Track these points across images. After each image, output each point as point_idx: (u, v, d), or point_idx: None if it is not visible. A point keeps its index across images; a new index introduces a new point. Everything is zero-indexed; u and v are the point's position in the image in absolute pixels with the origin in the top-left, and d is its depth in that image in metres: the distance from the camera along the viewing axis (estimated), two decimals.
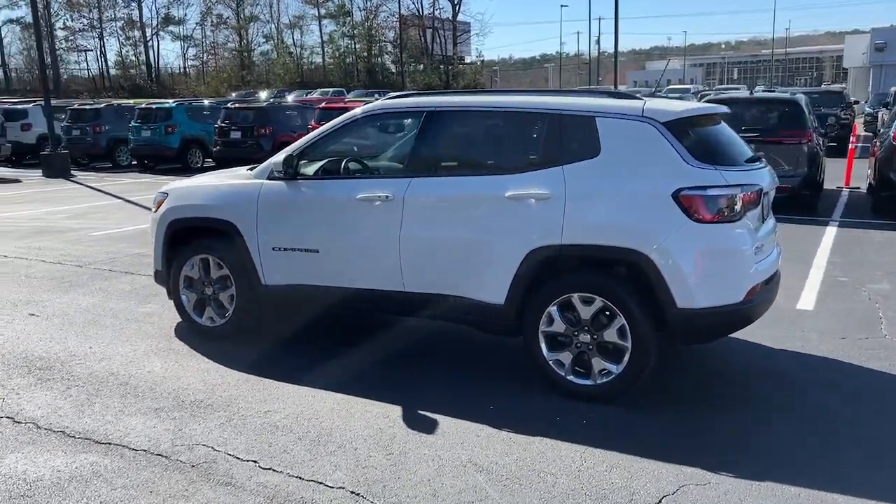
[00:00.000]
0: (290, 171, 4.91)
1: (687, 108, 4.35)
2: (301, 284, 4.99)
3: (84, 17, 63.34)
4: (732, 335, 4.75)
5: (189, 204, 5.39)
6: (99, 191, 15.34)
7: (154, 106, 20.22)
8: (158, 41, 67.34)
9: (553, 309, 4.24)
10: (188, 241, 5.40)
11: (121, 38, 65.40)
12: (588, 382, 4.23)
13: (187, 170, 19.22)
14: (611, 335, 4.14)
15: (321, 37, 70.28)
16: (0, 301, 6.45)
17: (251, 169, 5.37)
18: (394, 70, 67.45)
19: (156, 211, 5.57)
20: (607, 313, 4.13)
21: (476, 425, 3.92)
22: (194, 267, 5.37)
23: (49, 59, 61.65)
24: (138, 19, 63.79)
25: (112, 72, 65.34)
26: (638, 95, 4.47)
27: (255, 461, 3.53)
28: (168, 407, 4.16)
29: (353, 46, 69.57)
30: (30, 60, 63.32)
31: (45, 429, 3.89)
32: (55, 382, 4.54)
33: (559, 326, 4.25)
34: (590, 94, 4.67)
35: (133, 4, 63.05)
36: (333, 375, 4.63)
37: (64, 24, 63.56)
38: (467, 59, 73.11)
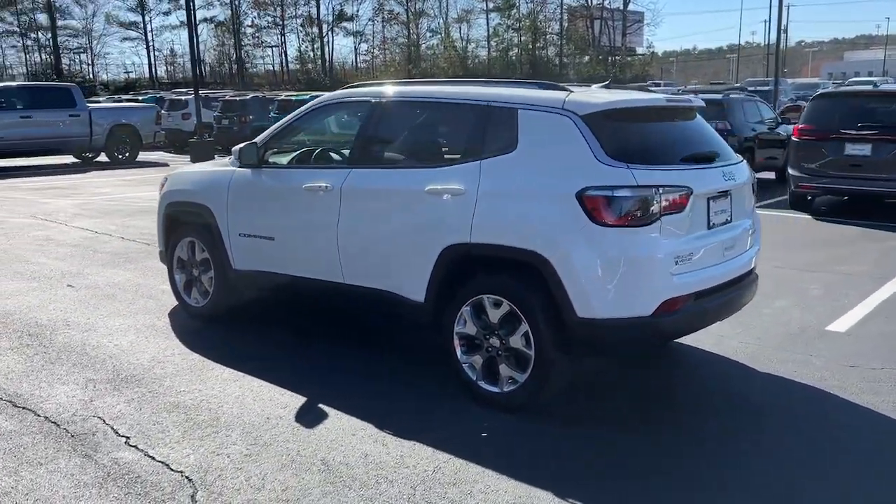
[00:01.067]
0: (254, 159, 5.03)
1: (616, 99, 3.95)
2: (262, 271, 5.10)
3: (269, 14, 68.13)
4: (727, 349, 4.28)
5: (179, 188, 5.68)
6: None
7: (293, 98, 21.39)
8: (333, 37, 70.82)
9: (466, 309, 4.04)
10: (179, 223, 5.69)
11: (300, 35, 69.73)
12: (495, 389, 3.99)
13: None
14: (516, 342, 3.88)
15: (487, 30, 71.11)
16: (54, 272, 7.13)
17: None
18: (558, 62, 66.91)
19: (160, 193, 5.91)
20: (514, 318, 3.87)
21: (363, 423, 3.82)
22: (184, 249, 5.65)
23: (236, 55, 67.07)
24: (316, 16, 67.65)
25: (291, 66, 69.78)
26: (568, 86, 4.11)
27: (127, 437, 3.66)
28: (102, 379, 4.42)
29: (517, 39, 69.71)
30: (221, 56, 69.28)
31: None
32: (29, 348, 4.96)
33: (472, 328, 4.05)
34: (519, 85, 4.36)
35: (312, 2, 66.95)
36: (274, 364, 4.69)
37: (252, 21, 68.78)
38: (639, 51, 70.86)
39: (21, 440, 3.64)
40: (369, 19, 71.12)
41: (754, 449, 3.60)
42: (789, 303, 6.09)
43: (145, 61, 62.97)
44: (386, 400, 4.17)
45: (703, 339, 5.02)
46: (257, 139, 5.13)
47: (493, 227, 3.88)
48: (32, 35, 62.43)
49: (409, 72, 64.84)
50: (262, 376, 4.45)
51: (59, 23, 61.67)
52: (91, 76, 62.66)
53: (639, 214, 3.58)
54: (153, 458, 3.45)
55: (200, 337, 5.21)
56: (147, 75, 64.81)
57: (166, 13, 65.80)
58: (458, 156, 4.19)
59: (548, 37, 69.27)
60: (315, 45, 69.36)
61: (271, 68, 71.26)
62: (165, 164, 19.49)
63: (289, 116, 5.14)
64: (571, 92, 3.96)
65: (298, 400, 4.13)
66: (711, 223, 3.97)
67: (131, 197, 12.64)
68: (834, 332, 5.37)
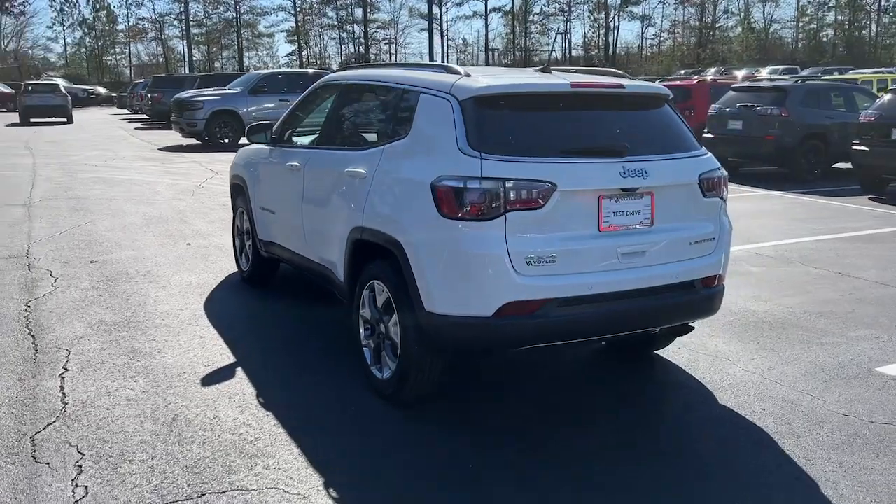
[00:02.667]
0: (264, 139, 5.44)
1: (496, 84, 3.61)
2: (272, 242, 5.51)
3: (557, 2, 68.85)
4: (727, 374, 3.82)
5: (235, 162, 6.31)
6: None
7: None
8: (619, 21, 69.41)
9: (366, 293, 4.05)
10: (234, 194, 6.33)
11: (587, 21, 69.49)
12: (378, 375, 3.96)
13: None
14: (391, 330, 3.81)
15: (797, 8, 64.83)
16: (189, 231, 8.27)
17: None
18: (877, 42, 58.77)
19: None
20: (390, 306, 3.80)
21: (244, 391, 4.06)
22: (239, 217, 6.28)
23: (523, 43, 68.87)
24: (604, 1, 66.85)
25: (574, 53, 69.88)
26: (459, 70, 3.85)
27: (62, 376, 4.28)
28: (102, 322, 5.14)
29: (832, 17, 62.61)
30: (508, 44, 71.63)
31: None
32: (86, 280, 5.92)
33: (367, 312, 4.05)
34: (434, 69, 4.15)
35: None
36: (255, 337, 5.06)
37: (541, 9, 70.11)
38: None
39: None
40: (659, 1, 68.45)
41: None
42: (865, 333, 5.02)
43: (438, 51, 67.14)
44: (295, 379, 4.33)
45: (702, 361, 4.43)
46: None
47: (375, 213, 3.84)
48: (348, 28, 70.19)
49: (699, 56, 61.50)
50: (231, 345, 4.81)
51: (371, 16, 68.58)
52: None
53: (482, 209, 3.30)
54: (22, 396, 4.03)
55: (227, 301, 5.79)
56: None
57: (459, 4, 69.70)
58: (371, 139, 4.19)
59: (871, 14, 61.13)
60: (600, 32, 68.72)
61: (554, 55, 72.02)
62: None
63: (298, 99, 5.47)
64: (469, 75, 3.73)
65: (225, 362, 4.46)
66: (607, 224, 3.50)
67: None
68: (885, 374, 4.36)
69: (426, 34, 71.84)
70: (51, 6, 75.99)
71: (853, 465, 3.31)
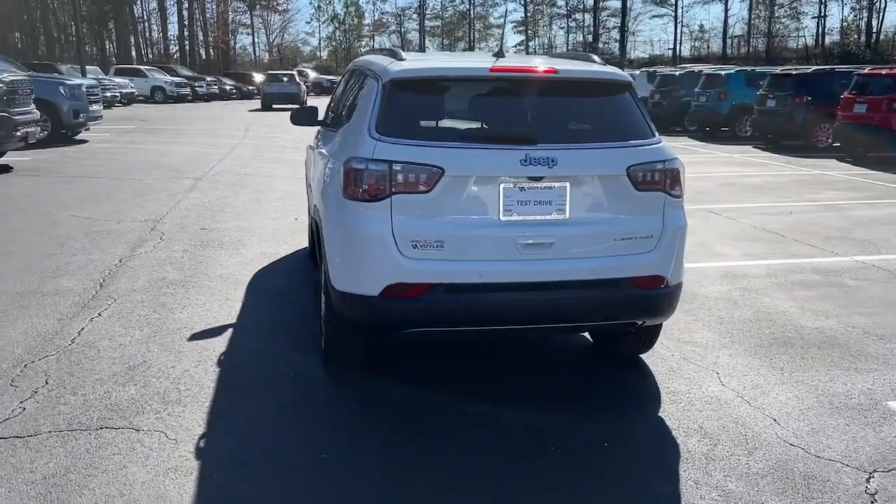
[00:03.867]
0: (320, 120, 5.78)
1: (414, 67, 3.59)
2: (313, 217, 5.91)
3: None
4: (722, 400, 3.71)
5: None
6: None
7: (713, 72, 20.22)
8: (886, 2, 61.37)
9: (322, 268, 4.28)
10: None
11: (846, 4, 62.52)
12: (322, 346, 4.17)
13: (734, 138, 18.95)
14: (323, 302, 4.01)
15: None
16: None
17: None
18: None
19: None
20: None
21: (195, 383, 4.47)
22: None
23: (766, 28, 63.75)
24: None
25: (828, 39, 63.18)
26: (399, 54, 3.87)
27: (92, 319, 5.00)
28: (162, 279, 5.85)
29: None
30: (751, 30, 66.56)
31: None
32: (183, 244, 6.72)
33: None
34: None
35: None
36: (275, 306, 5.53)
37: None
38: None
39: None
40: None
41: None
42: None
43: (671, 38, 64.29)
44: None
45: (685, 370, 4.14)
46: None
47: (318, 193, 4.04)
48: (577, 17, 69.57)
49: None
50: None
51: (602, 3, 67.28)
52: (620, 53, 67.04)
53: (371, 190, 3.36)
54: None
55: (287, 264, 6.31)
56: (670, 53, 66.31)
57: None
58: (347, 122, 4.35)
59: None
60: (860, 15, 61.44)
61: (805, 42, 65.63)
62: None
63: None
64: (402, 60, 3.77)
65: (224, 322, 4.92)
66: (508, 212, 3.39)
67: None
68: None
69: (658, 21, 69.13)
70: (310, 3, 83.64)
71: None
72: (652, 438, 3.47)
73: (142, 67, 40.99)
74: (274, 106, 32.60)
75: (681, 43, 66.14)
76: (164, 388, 3.87)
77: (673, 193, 3.62)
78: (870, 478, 3.11)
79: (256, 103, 35.21)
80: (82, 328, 4.71)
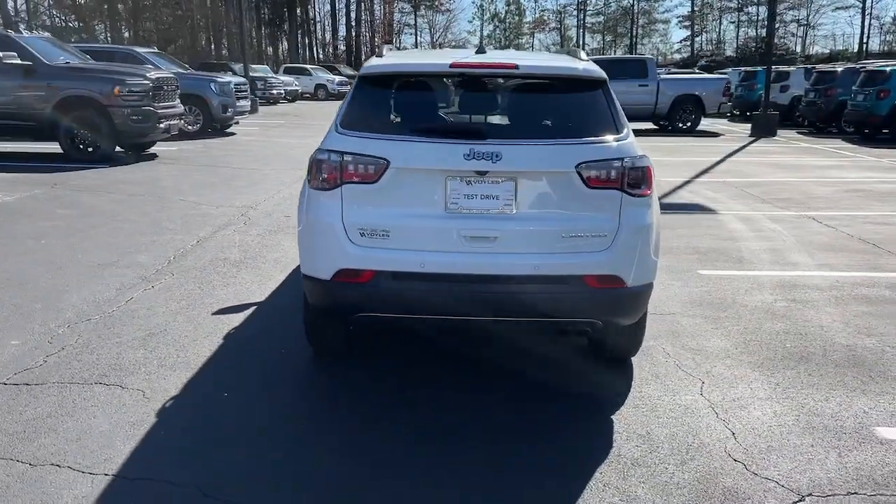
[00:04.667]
0: None
1: (381, 63, 3.72)
2: None
3: None
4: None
5: None
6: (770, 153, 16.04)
7: (874, 69, 18.56)
8: None
9: None
10: None
11: None
12: None
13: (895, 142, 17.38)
14: None
15: None
16: None
17: None
18: None
19: None
20: None
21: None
22: None
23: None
24: None
25: None
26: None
27: (145, 290, 5.57)
28: (224, 260, 6.38)
29: None
30: None
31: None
32: (260, 229, 7.27)
33: None
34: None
35: None
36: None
37: None
38: None
39: None
40: None
41: None
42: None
43: (858, 31, 59.13)
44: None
45: (668, 377, 4.06)
46: None
47: None
48: (749, 10, 65.64)
49: None
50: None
51: None
52: (797, 48, 62.62)
53: (327, 180, 3.56)
54: None
55: None
56: (855, 48, 61.05)
57: None
58: None
59: None
60: None
61: None
62: (719, 134, 19.77)
63: None
64: (380, 56, 3.93)
65: (253, 300, 5.32)
66: (455, 205, 3.46)
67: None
68: (888, 439, 3.46)
69: (843, 14, 63.74)
70: (472, 2, 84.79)
71: None
72: (587, 438, 3.42)
73: (308, 66, 43.62)
74: None
75: (869, 37, 60.74)
76: (166, 353, 4.29)
77: (633, 192, 3.53)
78: (798, 501, 2.92)
79: None
80: (131, 298, 5.28)
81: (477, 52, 3.98)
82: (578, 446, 3.35)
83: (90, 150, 12.06)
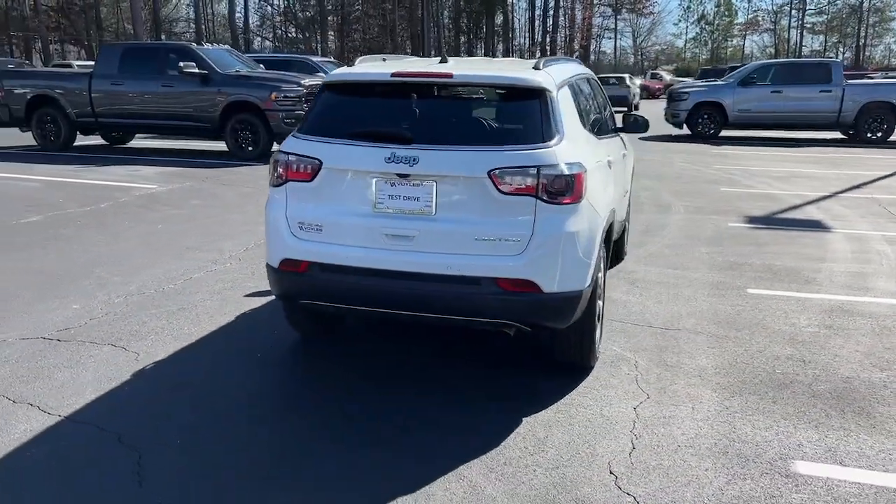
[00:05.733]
0: None
1: (339, 72, 4.01)
2: None
3: None
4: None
5: None
6: None
7: None
8: None
9: None
10: None
11: None
12: None
13: None
14: None
15: None
16: None
17: None
18: None
19: None
20: None
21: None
22: None
23: None
24: None
25: None
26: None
27: (205, 270, 6.31)
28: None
29: None
30: None
31: None
32: None
33: None
34: None
35: None
36: None
37: None
38: None
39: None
40: None
41: None
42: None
43: None
44: None
45: (621, 385, 4.06)
46: None
47: None
48: None
49: None
50: None
51: None
52: None
53: (277, 178, 3.94)
54: None
55: None
56: None
57: None
58: None
59: None
60: None
61: None
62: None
63: None
64: (349, 66, 4.24)
65: None
66: (381, 205, 3.71)
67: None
68: (793, 472, 3.26)
69: None
70: (679, 4, 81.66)
71: None
72: (473, 432, 3.49)
73: None
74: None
75: None
76: (181, 326, 4.92)
77: (550, 200, 3.57)
78: None
79: None
80: (190, 277, 6.04)
81: (440, 62, 4.19)
82: (469, 440, 3.45)
83: (250, 149, 13.48)
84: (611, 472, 3.18)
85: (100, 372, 4.16)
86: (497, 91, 3.83)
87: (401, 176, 3.66)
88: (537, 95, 3.77)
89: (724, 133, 18.82)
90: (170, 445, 3.38)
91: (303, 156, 3.84)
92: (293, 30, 55.35)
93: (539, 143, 3.63)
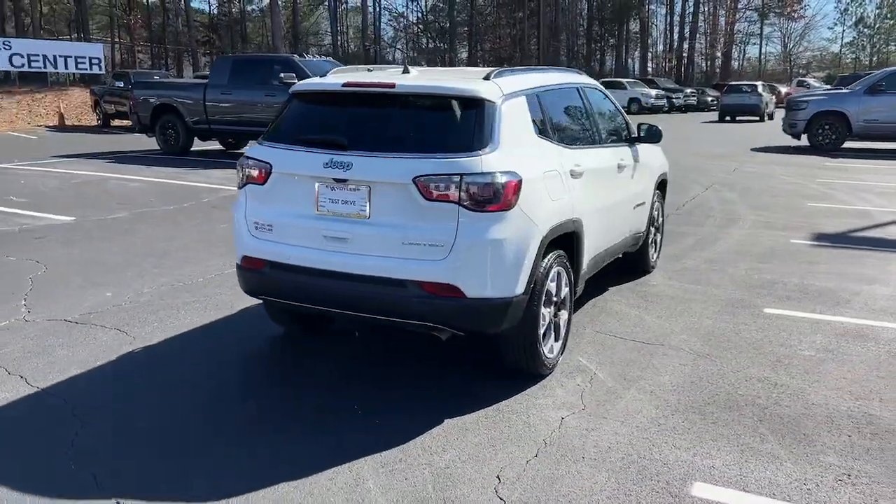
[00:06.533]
0: None
1: (305, 81, 4.23)
2: None
3: None
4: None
5: None
6: None
7: None
8: None
9: None
10: None
11: None
12: None
13: None
14: None
15: None
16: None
17: None
18: None
19: None
20: None
21: None
22: None
23: None
24: None
25: None
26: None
27: None
28: None
29: None
30: None
31: None
32: None
33: None
34: None
35: None
36: None
37: None
38: None
39: None
40: None
41: None
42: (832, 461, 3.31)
43: None
44: None
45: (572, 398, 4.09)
46: None
47: None
48: None
49: None
50: None
51: None
52: None
53: (240, 180, 4.23)
54: None
55: None
56: None
57: None
58: None
59: None
60: None
61: None
62: None
63: None
64: (323, 76, 4.46)
65: None
66: (323, 208, 3.90)
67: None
68: (688, 494, 3.16)
69: None
70: (835, 7, 76.49)
71: None
72: (394, 430, 3.58)
73: (624, 80, 43.58)
74: (727, 118, 31.88)
75: None
76: (190, 316, 5.31)
77: (473, 207, 3.63)
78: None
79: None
80: (224, 272, 6.49)
81: (403, 72, 4.34)
82: (389, 437, 3.53)
83: None
84: (497, 477, 3.20)
85: (93, 353, 4.61)
86: (437, 101, 3.92)
87: (338, 181, 3.84)
88: (474, 105, 3.84)
89: (848, 144, 17.58)
90: (115, 422, 3.73)
91: (257, 160, 4.11)
92: (425, 40, 56.76)
93: (467, 152, 3.69)
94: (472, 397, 4.00)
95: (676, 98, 42.01)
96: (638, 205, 5.87)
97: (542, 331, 4.13)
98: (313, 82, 4.32)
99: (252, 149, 4.22)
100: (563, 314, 4.43)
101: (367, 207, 3.80)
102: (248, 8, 50.02)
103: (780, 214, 9.53)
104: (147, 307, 5.49)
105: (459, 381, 4.23)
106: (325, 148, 3.91)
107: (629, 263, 6.36)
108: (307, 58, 15.49)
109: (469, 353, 4.60)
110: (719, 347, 4.77)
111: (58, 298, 5.69)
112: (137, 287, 5.99)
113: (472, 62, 47.82)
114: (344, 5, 53.72)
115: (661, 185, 6.67)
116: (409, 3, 59.46)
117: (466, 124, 3.81)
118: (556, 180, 4.20)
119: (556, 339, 4.38)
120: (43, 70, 30.56)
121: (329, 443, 3.52)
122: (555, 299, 4.29)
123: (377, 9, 54.90)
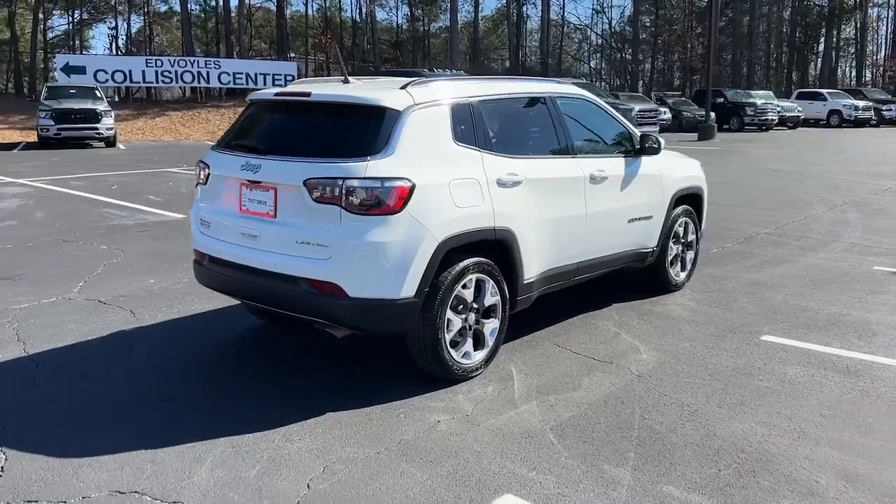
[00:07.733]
0: None
1: (262, 92, 4.58)
2: None
3: None
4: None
5: None
6: None
7: None
8: None
9: None
10: None
11: None
12: None
13: None
14: None
15: None
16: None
17: None
18: None
19: None
20: None
21: None
22: None
23: None
24: None
25: None
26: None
27: None
28: None
29: None
30: None
31: None
32: None
33: None
34: None
35: None
36: None
37: None
38: None
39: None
40: None
41: None
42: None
43: None
44: None
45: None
46: None
47: None
48: None
49: None
50: None
51: None
52: None
53: (195, 180, 4.68)
54: None
55: None
56: None
57: None
58: None
59: None
60: None
61: None
62: None
63: None
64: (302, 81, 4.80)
65: None
66: (244, 207, 4.21)
67: None
68: None
69: None
70: None
71: None
72: (276, 420, 3.77)
73: (824, 91, 40.16)
74: None
75: None
76: (197, 301, 5.87)
77: (354, 210, 3.77)
78: None
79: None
80: None
81: (343, 83, 4.56)
82: (268, 427, 3.74)
83: None
84: (323, 469, 3.32)
85: (94, 327, 5.28)
86: (343, 109, 4.09)
87: (252, 182, 4.16)
88: (375, 114, 3.98)
89: None
90: (72, 381, 4.29)
91: (203, 162, 4.56)
92: (609, 52, 55.79)
93: (356, 157, 3.84)
94: (372, 395, 4.11)
95: (888, 111, 38.05)
96: (637, 218, 5.59)
97: (449, 336, 4.14)
98: (259, 93, 4.70)
99: (206, 153, 4.66)
100: (492, 322, 4.41)
101: (275, 207, 4.07)
102: (435, 26, 52.21)
103: (892, 240, 8.49)
104: (169, 293, 6.12)
105: (378, 380, 4.34)
106: (245, 152, 4.25)
107: (643, 281, 6.08)
108: (437, 72, 16.00)
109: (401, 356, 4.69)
110: (669, 371, 4.48)
111: (110, 282, 6.49)
112: (178, 277, 6.67)
113: (652, 74, 46.27)
114: (527, 21, 54.44)
115: (689, 199, 6.27)
116: (594, 16, 58.55)
117: (362, 131, 3.96)
118: (469, 188, 4.19)
119: (480, 347, 4.37)
120: (245, 87, 33.97)
121: (205, 424, 3.77)
122: (474, 306, 4.29)
123: (563, 21, 54.91)
